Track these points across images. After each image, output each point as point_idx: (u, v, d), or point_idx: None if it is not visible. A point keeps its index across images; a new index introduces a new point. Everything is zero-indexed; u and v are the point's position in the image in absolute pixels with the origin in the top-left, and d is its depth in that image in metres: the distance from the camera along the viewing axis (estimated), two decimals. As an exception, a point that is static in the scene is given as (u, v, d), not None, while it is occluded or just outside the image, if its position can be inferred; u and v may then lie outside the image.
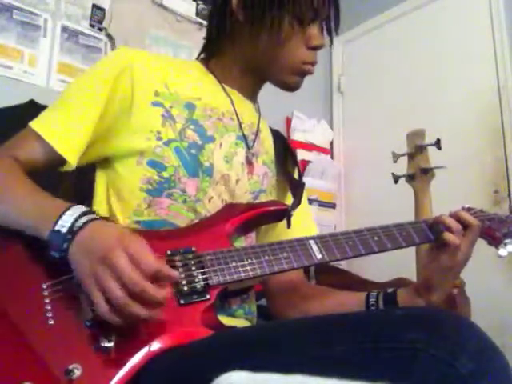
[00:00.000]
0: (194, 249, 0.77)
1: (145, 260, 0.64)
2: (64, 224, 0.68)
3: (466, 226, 0.85)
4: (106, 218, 0.78)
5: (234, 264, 0.75)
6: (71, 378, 0.63)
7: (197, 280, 0.73)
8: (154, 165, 0.85)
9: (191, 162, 0.86)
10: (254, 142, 0.99)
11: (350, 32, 2.70)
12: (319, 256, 0.79)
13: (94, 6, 1.96)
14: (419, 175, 1.28)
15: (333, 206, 2.62)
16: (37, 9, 1.82)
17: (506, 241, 0.89)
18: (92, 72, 0.93)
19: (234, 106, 0.96)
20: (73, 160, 0.85)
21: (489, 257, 0.97)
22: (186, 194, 0.86)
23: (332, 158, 2.73)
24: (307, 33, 0.92)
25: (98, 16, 1.96)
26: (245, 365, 0.56)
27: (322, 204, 2.56)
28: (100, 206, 0.89)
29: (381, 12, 2.60)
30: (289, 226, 0.92)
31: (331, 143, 2.76)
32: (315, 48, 0.93)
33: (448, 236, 0.83)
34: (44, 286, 0.71)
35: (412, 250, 1.23)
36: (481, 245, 0.89)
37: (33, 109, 1.44)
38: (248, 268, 0.76)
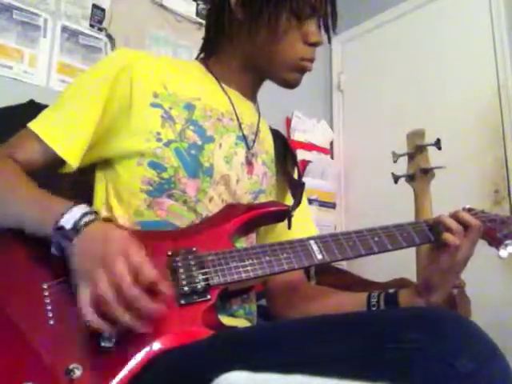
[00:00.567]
0: (194, 249, 0.77)
1: (144, 270, 0.64)
2: (69, 220, 0.68)
3: (466, 226, 0.84)
4: (107, 219, 0.78)
5: (234, 264, 0.75)
6: (71, 377, 0.63)
7: (197, 280, 0.73)
8: (155, 166, 0.85)
9: (191, 162, 0.86)
10: (253, 142, 0.99)
11: (350, 31, 2.70)
12: (320, 256, 0.79)
13: (94, 6, 1.96)
14: (419, 175, 1.28)
15: (333, 206, 2.62)
16: (37, 9, 1.82)
17: (507, 242, 0.89)
18: (91, 73, 0.93)
19: (233, 106, 0.96)
20: (73, 161, 0.84)
21: (489, 257, 0.97)
22: (186, 195, 0.85)
23: (332, 158, 2.73)
24: (305, 29, 0.93)
25: (97, 16, 1.96)
26: (245, 365, 0.55)
27: (322, 204, 2.56)
28: (100, 206, 0.89)
29: (381, 11, 2.60)
30: (289, 226, 0.92)
31: (331, 143, 2.76)
32: (313, 44, 0.94)
33: (448, 236, 0.83)
34: (45, 286, 0.71)
35: (412, 250, 1.22)
36: (481, 245, 0.89)
37: (33, 109, 1.43)
38: (249, 268, 0.75)
